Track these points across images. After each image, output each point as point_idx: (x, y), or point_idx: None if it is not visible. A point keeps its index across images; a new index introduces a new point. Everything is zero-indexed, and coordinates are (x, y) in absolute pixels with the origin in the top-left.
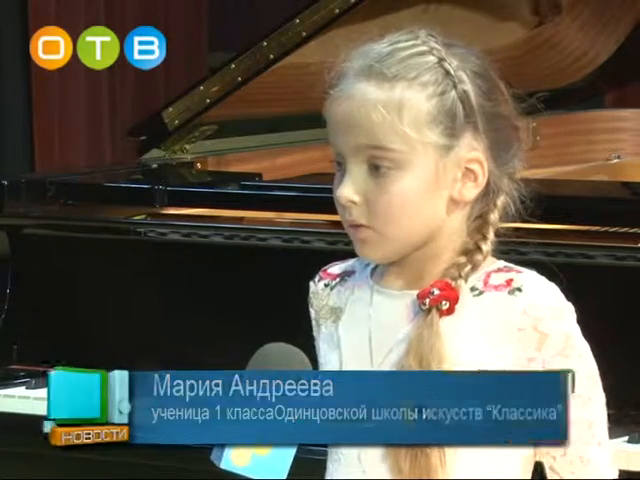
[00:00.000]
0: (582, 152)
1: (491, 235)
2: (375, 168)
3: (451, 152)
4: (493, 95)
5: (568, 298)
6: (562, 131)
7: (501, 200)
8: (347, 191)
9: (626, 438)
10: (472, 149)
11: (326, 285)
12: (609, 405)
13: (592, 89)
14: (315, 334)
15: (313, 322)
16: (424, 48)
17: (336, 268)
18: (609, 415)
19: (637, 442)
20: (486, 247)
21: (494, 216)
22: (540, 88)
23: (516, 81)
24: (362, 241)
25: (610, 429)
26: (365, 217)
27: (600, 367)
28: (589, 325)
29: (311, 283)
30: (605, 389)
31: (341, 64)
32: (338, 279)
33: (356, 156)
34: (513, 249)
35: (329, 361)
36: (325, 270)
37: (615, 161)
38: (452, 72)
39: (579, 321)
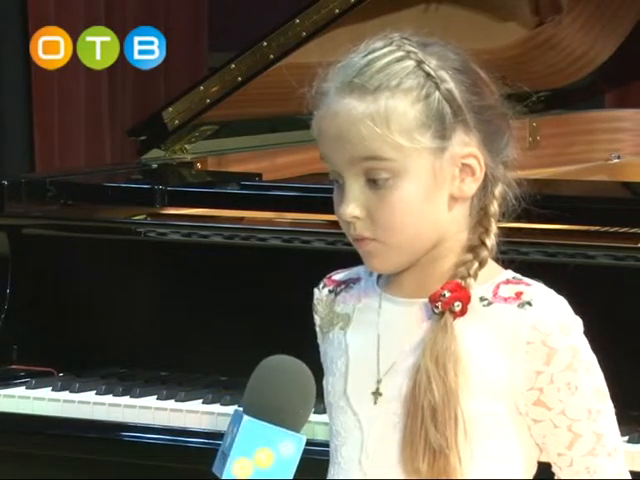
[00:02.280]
0: (582, 152)
1: (493, 227)
2: (372, 179)
3: (445, 152)
4: (477, 88)
5: (567, 298)
6: (562, 131)
7: (499, 189)
8: (349, 208)
9: (626, 438)
10: (466, 145)
11: (330, 291)
12: None
13: (592, 89)
14: (319, 340)
15: (317, 328)
16: (401, 53)
17: (341, 275)
18: None
19: (637, 442)
20: (490, 242)
21: (494, 207)
22: (540, 88)
23: (516, 81)
24: (369, 253)
25: None
26: (369, 230)
27: (600, 367)
28: (589, 325)
29: (315, 290)
30: None
31: (320, 83)
32: (343, 286)
33: (351, 170)
34: (513, 249)
35: (335, 367)
36: (330, 277)
37: (615, 161)
38: (433, 73)
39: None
